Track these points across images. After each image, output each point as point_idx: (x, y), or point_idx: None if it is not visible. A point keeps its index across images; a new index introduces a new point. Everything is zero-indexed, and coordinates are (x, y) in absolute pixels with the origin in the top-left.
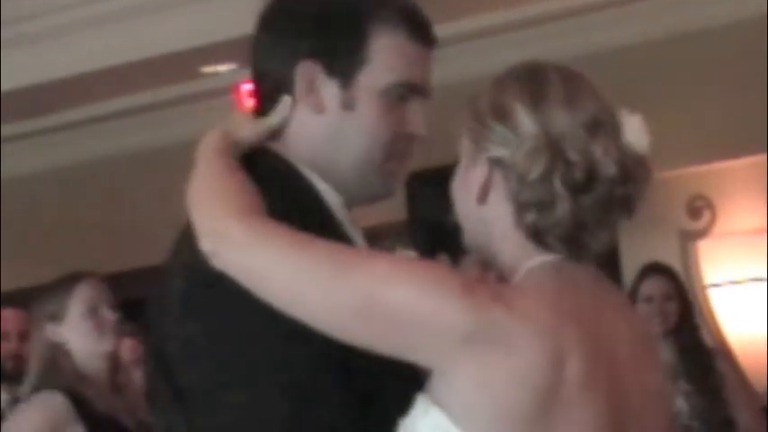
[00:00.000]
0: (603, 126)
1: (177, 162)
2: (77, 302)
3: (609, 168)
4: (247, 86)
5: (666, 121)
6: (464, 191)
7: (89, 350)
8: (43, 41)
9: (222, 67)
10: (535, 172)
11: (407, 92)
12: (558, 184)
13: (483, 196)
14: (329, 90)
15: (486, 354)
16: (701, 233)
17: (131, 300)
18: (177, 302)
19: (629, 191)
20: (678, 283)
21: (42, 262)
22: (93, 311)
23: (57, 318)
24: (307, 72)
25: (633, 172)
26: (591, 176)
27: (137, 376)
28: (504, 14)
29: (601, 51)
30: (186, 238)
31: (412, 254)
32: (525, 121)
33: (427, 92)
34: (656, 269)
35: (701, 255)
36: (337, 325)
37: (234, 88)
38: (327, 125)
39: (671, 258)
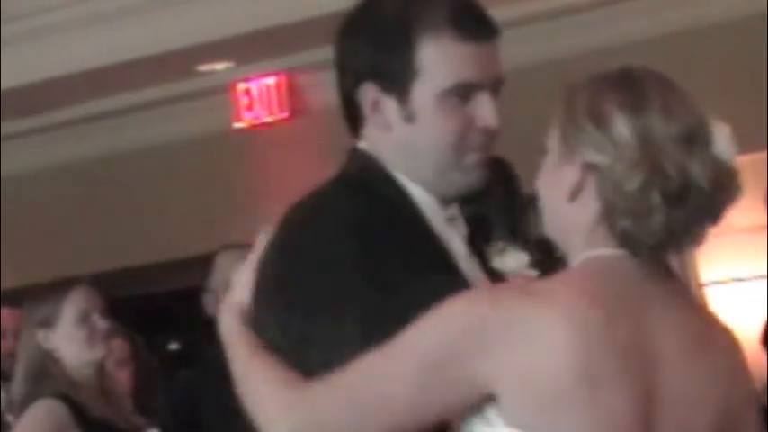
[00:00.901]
0: (698, 137)
1: (174, 160)
2: (69, 310)
3: (702, 181)
4: (243, 85)
5: None
6: (553, 186)
7: (79, 358)
8: (40, 39)
9: (219, 66)
10: (634, 183)
11: (467, 91)
12: (655, 197)
13: (574, 196)
14: (390, 107)
15: (517, 347)
16: None
17: (128, 297)
18: None
19: (718, 202)
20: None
21: (41, 260)
22: (85, 319)
23: (48, 324)
24: (368, 94)
25: (723, 182)
26: (686, 189)
27: (123, 375)
28: (505, 11)
29: (600, 49)
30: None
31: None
32: (624, 129)
33: (493, 84)
34: None
35: (699, 252)
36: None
37: (230, 86)
38: (396, 141)
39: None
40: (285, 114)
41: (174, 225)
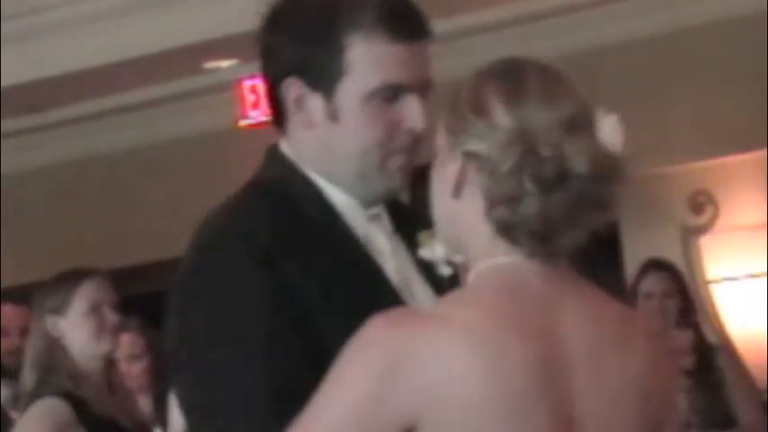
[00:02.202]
0: (579, 124)
1: (178, 158)
2: (81, 300)
3: (580, 166)
4: (249, 82)
5: (668, 117)
6: (439, 185)
7: (86, 349)
8: (44, 37)
9: (224, 63)
10: (506, 165)
11: (394, 92)
12: (527, 179)
13: (458, 191)
14: (315, 104)
15: (418, 378)
16: (704, 229)
17: (131, 296)
18: None
19: (601, 190)
20: (679, 279)
21: (42, 258)
22: (95, 310)
23: (58, 311)
24: (292, 89)
25: (605, 171)
26: (561, 174)
27: (135, 370)
28: (506, 10)
29: (602, 48)
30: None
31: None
32: (501, 116)
33: (421, 86)
34: (655, 266)
35: (704, 250)
36: None
37: (236, 84)
38: (318, 139)
39: (673, 254)
40: None
41: (180, 222)
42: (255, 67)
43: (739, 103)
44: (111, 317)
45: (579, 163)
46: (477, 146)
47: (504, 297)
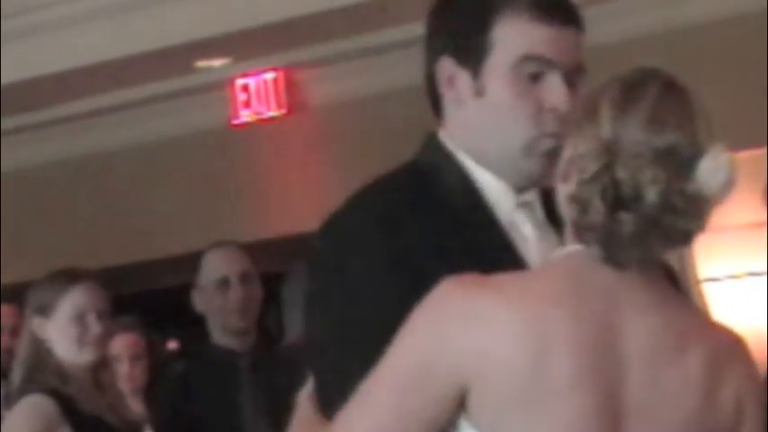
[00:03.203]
0: (673, 155)
1: (172, 156)
2: (66, 306)
3: (651, 195)
4: (241, 81)
5: None
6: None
7: (68, 356)
8: (38, 35)
9: (216, 62)
10: (587, 173)
11: (538, 69)
12: (595, 193)
13: (564, 178)
14: (464, 81)
15: (476, 340)
16: None
17: (126, 294)
18: None
19: (673, 222)
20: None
21: (39, 256)
22: (79, 319)
23: (44, 313)
24: (445, 69)
25: (680, 206)
26: (631, 197)
27: (137, 370)
28: None
29: (599, 45)
30: None
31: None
32: (605, 124)
33: (567, 68)
34: None
35: (698, 249)
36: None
37: (228, 83)
38: (467, 117)
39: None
40: (283, 110)
41: (172, 221)
42: (247, 65)
43: (737, 101)
44: (95, 327)
45: (651, 192)
46: (581, 146)
47: (566, 281)
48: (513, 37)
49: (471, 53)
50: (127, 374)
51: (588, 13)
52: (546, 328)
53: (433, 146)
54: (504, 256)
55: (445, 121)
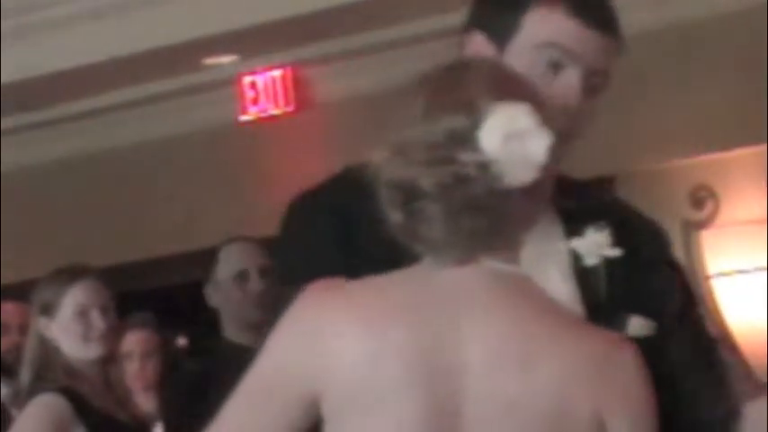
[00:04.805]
0: (452, 138)
1: (179, 153)
2: (69, 304)
3: (424, 185)
4: (249, 78)
5: (669, 111)
6: None
7: (75, 353)
8: (44, 33)
9: (224, 59)
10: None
11: (560, 56)
12: (388, 201)
13: None
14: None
15: (316, 349)
16: (704, 223)
17: (135, 291)
18: None
19: (466, 194)
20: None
21: (43, 254)
22: (83, 315)
23: (48, 313)
24: (473, 43)
25: (472, 175)
26: (410, 192)
27: (148, 368)
28: None
29: None
30: None
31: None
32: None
33: (588, 69)
34: None
35: (705, 245)
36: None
37: (236, 79)
38: None
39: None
40: (291, 107)
41: (180, 218)
42: (255, 62)
43: (740, 97)
44: (99, 323)
45: (424, 181)
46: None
47: (411, 288)
48: (543, 23)
49: (500, 30)
50: (138, 372)
51: None
52: (383, 335)
53: None
54: None
55: None
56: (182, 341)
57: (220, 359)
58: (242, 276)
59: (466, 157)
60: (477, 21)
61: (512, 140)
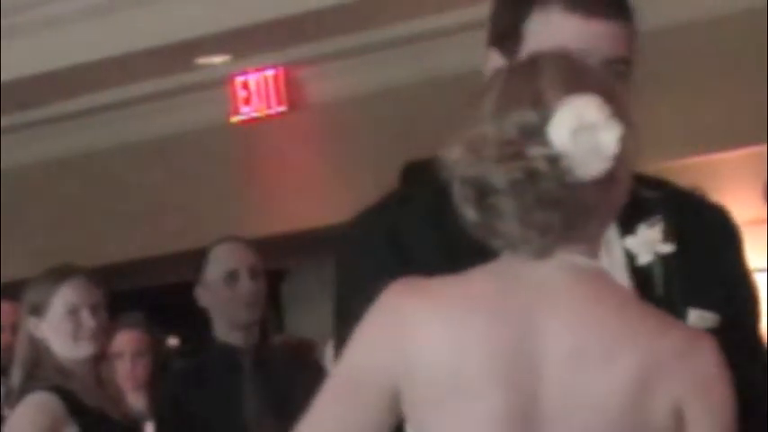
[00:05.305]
0: (522, 133)
1: (172, 153)
2: (58, 303)
3: (498, 182)
4: (241, 78)
5: (664, 112)
6: None
7: (65, 352)
8: (38, 32)
9: (217, 59)
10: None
11: None
12: (462, 198)
13: None
14: None
15: (404, 341)
16: None
17: (126, 291)
18: None
19: (542, 189)
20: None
21: (39, 253)
22: (72, 315)
23: (38, 313)
24: (491, 59)
25: (544, 171)
26: (484, 188)
27: (139, 367)
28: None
29: None
30: None
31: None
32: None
33: (602, 60)
34: None
35: None
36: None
37: (228, 80)
38: None
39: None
40: (283, 107)
41: (172, 218)
42: (247, 62)
43: (736, 98)
44: (89, 321)
45: (497, 178)
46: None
47: (492, 283)
48: (543, 29)
49: (506, 43)
50: (129, 371)
51: None
52: (465, 330)
53: None
54: None
55: None
56: (172, 341)
57: (209, 358)
58: (232, 276)
59: (536, 151)
60: (489, 36)
61: (581, 133)
